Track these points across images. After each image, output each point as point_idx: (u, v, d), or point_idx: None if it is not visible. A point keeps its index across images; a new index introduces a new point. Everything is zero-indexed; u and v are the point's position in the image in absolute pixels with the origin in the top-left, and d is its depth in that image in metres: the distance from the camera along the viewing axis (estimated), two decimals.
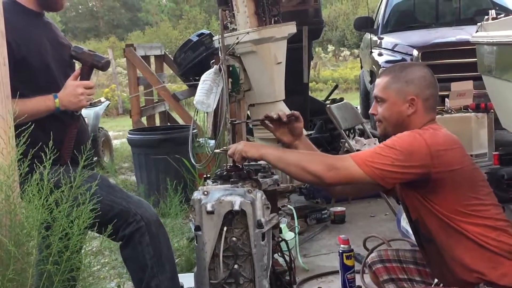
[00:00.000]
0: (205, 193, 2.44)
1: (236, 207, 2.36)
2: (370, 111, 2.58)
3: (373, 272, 2.75)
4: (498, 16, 4.43)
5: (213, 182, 2.56)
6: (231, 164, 2.63)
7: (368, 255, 3.40)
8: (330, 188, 2.74)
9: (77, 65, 2.89)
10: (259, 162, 2.68)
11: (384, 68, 6.53)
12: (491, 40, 4.24)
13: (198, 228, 2.41)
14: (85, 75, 2.75)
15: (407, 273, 2.68)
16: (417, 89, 2.43)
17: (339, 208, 5.14)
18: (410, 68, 2.51)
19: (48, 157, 2.22)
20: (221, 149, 2.73)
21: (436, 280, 2.56)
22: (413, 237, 3.81)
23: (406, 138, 2.29)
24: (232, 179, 2.52)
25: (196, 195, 2.44)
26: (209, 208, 2.38)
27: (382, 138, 2.57)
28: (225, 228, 2.39)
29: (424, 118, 2.43)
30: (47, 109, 2.60)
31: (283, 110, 4.48)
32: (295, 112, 2.64)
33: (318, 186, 5.13)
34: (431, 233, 2.38)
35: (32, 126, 2.32)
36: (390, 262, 2.71)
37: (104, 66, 2.81)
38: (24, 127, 2.28)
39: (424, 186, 2.30)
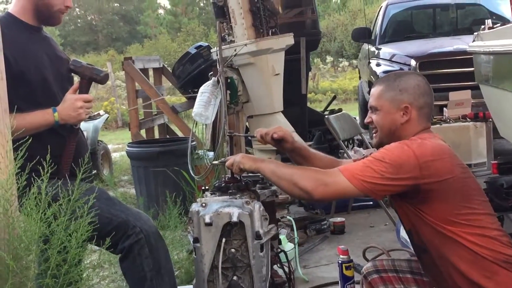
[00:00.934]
0: (203, 205, 2.44)
1: (234, 219, 2.36)
2: (365, 120, 2.59)
3: (369, 283, 2.74)
4: (495, 26, 4.44)
5: (211, 194, 2.56)
6: (229, 176, 2.64)
7: None
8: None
9: (76, 79, 2.91)
10: (258, 175, 2.68)
11: (385, 76, 6.57)
12: (487, 50, 4.24)
13: (196, 240, 2.41)
14: (83, 88, 2.76)
15: (404, 283, 2.66)
16: (411, 98, 2.43)
17: (338, 219, 5.13)
18: (404, 77, 2.52)
19: (46, 171, 2.23)
20: (219, 160, 2.74)
21: None
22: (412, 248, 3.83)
23: (394, 150, 2.29)
24: (230, 191, 2.52)
25: (194, 207, 2.45)
26: (207, 220, 2.38)
27: (377, 147, 2.57)
28: (223, 240, 2.39)
29: (417, 127, 2.44)
30: (46, 123, 2.61)
31: (281, 121, 4.50)
32: (278, 133, 2.66)
33: (308, 201, 5.16)
34: (425, 243, 2.38)
35: (30, 140, 2.33)
36: (386, 272, 2.70)
37: (102, 79, 2.82)
38: (22, 141, 2.28)
39: (414, 196, 2.29)
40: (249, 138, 4.91)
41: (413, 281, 2.66)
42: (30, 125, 2.53)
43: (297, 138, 3.81)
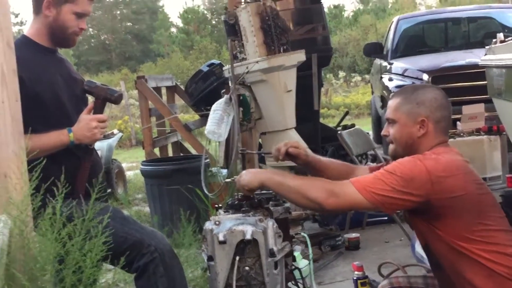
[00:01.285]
0: (217, 222, 2.44)
1: (248, 236, 2.36)
2: (382, 132, 2.58)
3: None
4: (506, 39, 4.43)
5: (224, 212, 2.57)
6: (242, 193, 2.65)
7: None
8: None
9: (90, 99, 2.93)
10: (271, 192, 2.69)
11: (402, 88, 6.56)
12: (499, 63, 4.24)
13: (210, 258, 2.41)
14: (98, 108, 2.78)
15: None
16: (428, 111, 2.41)
17: (353, 235, 5.11)
18: (421, 90, 2.50)
19: (60, 191, 2.24)
20: (231, 179, 2.74)
21: None
22: (428, 264, 3.80)
23: (407, 164, 2.28)
24: (243, 208, 2.53)
25: (208, 225, 2.45)
26: (221, 238, 2.38)
27: (392, 159, 2.56)
28: (237, 258, 2.39)
29: (434, 141, 2.41)
30: (62, 143, 2.64)
31: (294, 137, 4.51)
32: (293, 151, 2.72)
33: (318, 213, 5.12)
34: (439, 259, 2.36)
35: (45, 161, 2.34)
36: None
37: (117, 99, 2.85)
38: (37, 162, 2.30)
39: (427, 212, 2.28)
40: (262, 155, 4.92)
41: None
42: (45, 146, 2.55)
43: (309, 152, 3.83)
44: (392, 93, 2.59)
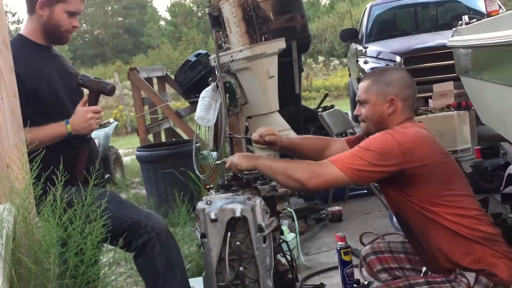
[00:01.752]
0: (208, 202, 2.45)
1: (238, 214, 2.38)
2: (354, 112, 2.62)
3: (368, 263, 2.77)
4: (471, 21, 4.43)
5: (215, 192, 2.58)
6: (232, 174, 2.65)
7: None
8: None
9: (85, 92, 2.91)
10: (258, 172, 2.70)
11: (372, 71, 6.57)
12: (465, 44, 4.24)
13: (203, 235, 2.43)
14: (93, 101, 2.76)
15: (398, 262, 2.69)
16: (396, 90, 2.46)
17: (336, 208, 5.14)
18: (389, 71, 2.57)
19: (60, 179, 2.23)
20: (220, 161, 2.75)
21: (424, 268, 2.57)
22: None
23: (379, 139, 2.32)
24: (233, 188, 2.54)
25: (200, 205, 2.46)
26: (212, 216, 2.39)
27: (365, 136, 2.59)
28: (228, 234, 2.41)
29: (402, 117, 2.47)
30: (60, 134, 2.62)
31: (278, 120, 4.51)
32: (269, 138, 2.79)
33: (303, 192, 5.15)
34: (409, 224, 2.41)
35: (45, 151, 2.33)
36: (382, 253, 2.73)
37: (110, 91, 2.83)
38: (36, 153, 2.29)
39: (399, 181, 2.32)
40: (249, 138, 4.92)
41: (406, 260, 2.68)
42: (44, 138, 2.54)
43: (293, 134, 3.84)
44: (363, 76, 2.63)
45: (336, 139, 2.91)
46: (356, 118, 8.24)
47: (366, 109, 2.51)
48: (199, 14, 37.91)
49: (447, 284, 2.28)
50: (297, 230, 4.27)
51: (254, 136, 2.82)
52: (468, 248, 2.27)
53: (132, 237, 2.58)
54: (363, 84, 2.55)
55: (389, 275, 2.69)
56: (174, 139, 7.81)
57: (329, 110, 6.23)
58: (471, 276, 2.26)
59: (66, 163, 2.39)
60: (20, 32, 2.78)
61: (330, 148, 2.74)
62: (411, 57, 6.69)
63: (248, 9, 4.39)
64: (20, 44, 2.66)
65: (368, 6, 9.33)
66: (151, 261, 2.61)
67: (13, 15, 38.89)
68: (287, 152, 2.88)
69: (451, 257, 2.30)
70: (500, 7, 4.03)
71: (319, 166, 2.34)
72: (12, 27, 35.49)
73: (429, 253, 2.37)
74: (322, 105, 7.90)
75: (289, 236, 4.05)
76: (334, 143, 2.81)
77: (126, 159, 9.68)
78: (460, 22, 4.60)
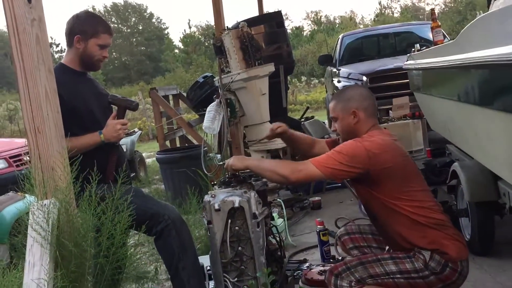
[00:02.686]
0: (213, 196, 2.46)
1: (236, 205, 2.39)
2: (331, 129, 2.60)
3: (342, 242, 2.76)
4: (422, 48, 4.45)
5: (218, 187, 2.58)
6: (231, 173, 2.66)
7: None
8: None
9: (114, 109, 2.91)
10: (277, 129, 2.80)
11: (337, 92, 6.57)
12: (417, 66, 4.26)
13: (209, 222, 2.43)
14: (120, 115, 2.76)
15: (367, 241, 2.68)
16: (357, 103, 2.44)
17: (316, 198, 5.14)
18: (348, 90, 2.55)
19: (94, 179, 2.24)
20: (221, 163, 2.76)
21: (387, 247, 2.58)
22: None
23: (350, 145, 2.31)
24: (232, 184, 2.54)
25: (206, 197, 2.46)
26: (216, 207, 2.40)
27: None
28: (229, 221, 2.41)
29: (367, 124, 2.43)
30: (95, 143, 2.62)
31: (268, 128, 4.51)
32: (278, 130, 2.85)
33: (286, 185, 5.14)
34: (376, 214, 2.40)
35: (82, 157, 2.34)
36: (354, 234, 2.72)
37: (134, 107, 2.83)
38: (75, 158, 2.29)
39: (366, 180, 2.31)
40: (247, 141, 4.92)
41: (373, 240, 2.68)
42: (83, 145, 2.54)
43: (279, 141, 3.83)
44: (331, 98, 2.63)
45: (320, 139, 2.92)
46: (331, 125, 8.18)
47: (338, 125, 2.50)
48: (206, 44, 37.83)
49: (408, 259, 2.28)
50: (285, 216, 4.28)
51: (267, 133, 2.94)
52: (424, 232, 2.27)
53: (152, 224, 2.58)
54: (331, 105, 2.54)
55: (359, 252, 2.69)
56: (186, 145, 7.80)
57: (310, 120, 6.24)
58: (427, 254, 2.26)
59: (99, 166, 2.39)
60: (62, 61, 2.78)
61: (315, 146, 2.78)
62: (375, 77, 6.68)
63: (244, 40, 4.39)
64: (61, 71, 2.66)
65: (340, 36, 9.33)
66: (168, 243, 2.61)
67: (57, 46, 38.77)
68: (287, 142, 2.93)
69: (409, 240, 2.29)
70: (444, 37, 4.04)
71: (300, 164, 2.33)
72: (56, 56, 35.41)
73: (392, 236, 2.36)
74: (304, 116, 7.89)
75: (278, 221, 4.06)
76: (318, 143, 2.83)
77: (148, 161, 9.65)
78: (413, 49, 4.63)
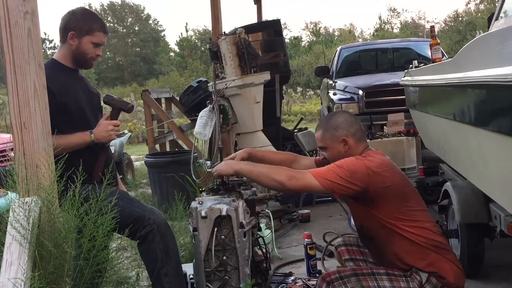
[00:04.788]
0: (200, 202, 2.44)
1: (224, 213, 2.37)
2: (320, 158, 2.58)
3: (338, 252, 2.74)
4: (419, 65, 4.48)
5: (206, 194, 2.57)
6: (221, 180, 2.64)
7: (326, 247, 3.38)
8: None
9: (107, 109, 2.89)
10: (243, 179, 2.69)
11: (346, 105, 6.58)
12: (414, 83, 4.28)
13: (195, 229, 2.41)
14: (114, 116, 2.74)
15: (363, 255, 2.67)
16: (345, 130, 2.42)
17: (305, 210, 5.12)
18: (333, 117, 2.50)
19: (79, 178, 2.21)
20: (210, 170, 2.74)
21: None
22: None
23: (350, 161, 2.29)
24: (220, 192, 2.52)
25: (193, 204, 2.45)
26: (203, 214, 2.38)
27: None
28: (215, 229, 2.39)
29: (358, 149, 2.42)
30: (85, 142, 2.59)
31: (261, 137, 4.51)
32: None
33: (280, 191, 5.11)
34: (372, 234, 2.37)
35: (68, 155, 2.31)
36: (351, 246, 2.70)
37: (129, 109, 2.81)
38: (61, 156, 2.27)
39: (365, 198, 2.29)
40: (237, 149, 4.91)
41: (370, 255, 2.66)
42: (71, 144, 2.51)
43: (272, 149, 3.81)
44: (318, 123, 2.56)
45: (306, 157, 2.87)
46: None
47: (327, 154, 2.48)
48: (202, 49, 37.86)
49: (403, 278, 2.26)
50: (272, 227, 4.26)
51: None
52: (422, 254, 2.26)
53: (137, 228, 2.55)
54: (317, 134, 2.51)
55: (354, 264, 2.68)
56: (176, 149, 7.78)
57: (303, 131, 6.24)
58: (424, 276, 2.25)
59: (86, 165, 2.37)
60: (54, 57, 2.76)
61: (299, 162, 2.70)
62: (371, 91, 6.71)
63: (241, 47, 4.42)
64: (53, 67, 2.64)
65: (338, 48, 9.38)
66: (151, 248, 2.58)
67: (50, 42, 38.62)
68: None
69: (407, 261, 2.28)
70: (443, 55, 4.07)
71: (298, 172, 2.31)
72: (49, 52, 35.26)
73: (388, 257, 2.34)
74: (298, 127, 7.90)
75: (266, 232, 4.04)
76: (303, 159, 2.77)
77: (136, 164, 9.60)
78: (411, 65, 4.65)
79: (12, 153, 6.86)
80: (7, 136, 6.67)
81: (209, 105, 4.39)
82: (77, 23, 2.65)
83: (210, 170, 2.91)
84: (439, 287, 2.24)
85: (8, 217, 2.13)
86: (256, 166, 2.43)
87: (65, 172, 2.23)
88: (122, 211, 2.40)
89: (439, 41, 3.98)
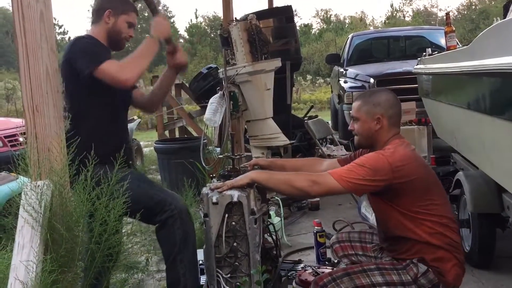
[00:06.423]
0: (211, 188, 2.44)
1: (235, 199, 2.36)
2: (349, 127, 2.53)
3: (334, 250, 2.75)
4: (433, 53, 4.44)
5: (217, 180, 2.56)
6: (231, 166, 2.64)
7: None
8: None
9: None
10: (254, 166, 2.67)
11: (357, 93, 6.53)
12: (427, 71, 4.25)
13: (206, 215, 2.41)
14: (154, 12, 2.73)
15: (354, 249, 2.66)
16: (382, 110, 2.37)
17: (314, 199, 5.12)
18: (377, 93, 2.46)
19: (91, 162, 2.22)
20: (223, 155, 2.73)
21: (373, 254, 2.56)
22: (369, 221, 3.82)
23: (372, 158, 2.25)
24: (231, 178, 2.52)
25: (204, 190, 2.45)
26: (214, 200, 2.38)
27: (357, 147, 2.54)
28: (226, 215, 2.39)
29: (389, 132, 2.37)
30: (154, 44, 2.62)
31: (271, 125, 4.50)
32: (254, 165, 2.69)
33: (305, 198, 5.08)
34: (392, 227, 2.34)
35: (80, 138, 2.31)
36: (344, 242, 2.70)
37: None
38: (73, 140, 2.27)
39: (387, 192, 2.25)
40: (247, 137, 4.91)
41: (360, 248, 2.66)
42: (142, 53, 2.57)
43: (282, 137, 3.79)
44: (355, 96, 2.54)
45: (329, 160, 2.79)
46: (335, 127, 8.16)
47: (357, 126, 2.43)
48: (212, 35, 37.74)
49: (394, 271, 2.24)
50: (282, 215, 4.27)
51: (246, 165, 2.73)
52: (433, 248, 2.24)
53: (157, 211, 2.53)
54: (355, 104, 2.46)
55: (348, 260, 2.68)
56: (185, 136, 7.79)
57: (314, 119, 6.22)
58: (422, 268, 2.23)
59: (114, 147, 2.40)
60: (89, 33, 2.71)
61: (321, 164, 2.67)
62: (382, 79, 6.67)
63: (252, 33, 4.39)
64: (95, 40, 2.64)
65: (350, 36, 9.32)
66: (170, 233, 2.55)
67: (60, 27, 38.65)
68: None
69: (416, 253, 2.26)
70: (457, 43, 4.02)
71: (319, 176, 2.26)
72: (59, 37, 35.31)
73: (401, 249, 2.33)
74: (308, 114, 7.88)
75: (275, 219, 4.05)
76: (325, 160, 2.73)
77: (145, 150, 9.62)
78: (424, 53, 4.61)
79: (22, 138, 6.89)
80: (18, 121, 6.72)
81: (219, 92, 4.38)
82: (113, 3, 2.67)
83: (220, 156, 2.90)
84: (435, 283, 2.21)
85: (20, 201, 2.15)
86: (273, 173, 2.39)
87: (77, 156, 2.24)
88: (144, 194, 2.41)
89: (454, 28, 3.92)
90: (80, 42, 2.55)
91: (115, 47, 2.76)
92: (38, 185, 2.13)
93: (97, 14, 2.68)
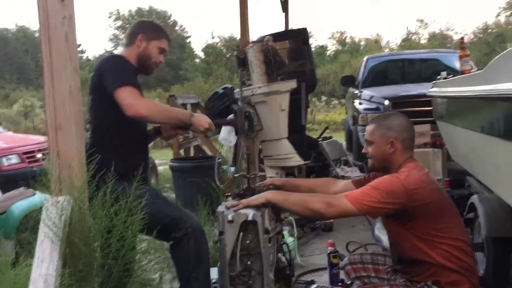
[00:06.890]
0: (227, 207, 2.47)
1: (250, 218, 2.40)
2: (363, 151, 2.55)
3: (346, 271, 2.75)
4: (448, 77, 4.46)
5: (233, 199, 2.60)
6: (246, 186, 2.68)
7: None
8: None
9: None
10: (269, 186, 2.70)
11: (372, 115, 6.55)
12: (442, 94, 4.26)
13: (221, 233, 2.45)
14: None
15: (366, 271, 2.66)
16: (396, 133, 2.39)
17: (329, 220, 5.11)
18: (391, 117, 2.49)
19: (110, 179, 2.27)
20: (237, 174, 2.76)
21: (386, 276, 2.56)
22: (382, 243, 3.81)
23: (387, 180, 2.27)
24: (247, 197, 2.55)
25: (220, 208, 2.49)
26: (229, 218, 2.41)
27: (370, 170, 2.56)
28: (241, 234, 2.42)
29: (403, 156, 2.39)
30: (185, 118, 2.65)
31: (286, 145, 4.53)
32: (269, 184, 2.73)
33: (320, 220, 5.07)
34: (407, 250, 2.35)
35: (100, 156, 2.37)
36: (356, 264, 2.70)
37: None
38: (93, 157, 2.33)
39: (402, 216, 2.27)
40: (261, 157, 4.94)
41: (372, 270, 2.65)
42: (170, 113, 2.66)
43: (297, 157, 3.80)
44: (369, 119, 2.56)
45: (343, 180, 2.82)
46: (350, 148, 8.13)
47: (372, 149, 2.45)
48: (227, 56, 38.09)
49: None
50: (295, 235, 4.27)
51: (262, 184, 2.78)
52: (448, 271, 2.24)
53: (172, 229, 2.55)
54: (369, 127, 2.49)
55: (360, 282, 2.67)
56: (200, 155, 7.83)
57: (328, 140, 6.25)
58: None
59: (135, 165, 2.47)
60: (121, 53, 2.79)
61: (336, 185, 2.70)
62: (397, 102, 6.68)
63: (269, 54, 4.45)
64: (126, 61, 2.69)
65: (365, 58, 9.36)
66: (185, 252, 2.57)
67: (79, 46, 39.26)
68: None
69: (430, 276, 2.26)
70: (472, 67, 4.04)
71: (334, 199, 2.29)
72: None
73: (415, 271, 2.33)
74: (322, 135, 7.90)
75: (289, 240, 4.05)
76: (339, 181, 2.75)
77: (160, 168, 9.69)
78: (439, 76, 4.63)
79: (40, 155, 7.01)
80: (36, 138, 6.84)
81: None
82: (146, 29, 2.76)
83: (235, 175, 2.94)
84: None
85: (36, 217, 2.20)
86: (289, 195, 2.42)
87: (97, 173, 2.29)
88: (159, 211, 2.45)
89: (468, 52, 3.95)
90: (115, 59, 2.65)
91: (144, 71, 2.81)
92: (59, 201, 2.19)
93: (131, 38, 2.77)
